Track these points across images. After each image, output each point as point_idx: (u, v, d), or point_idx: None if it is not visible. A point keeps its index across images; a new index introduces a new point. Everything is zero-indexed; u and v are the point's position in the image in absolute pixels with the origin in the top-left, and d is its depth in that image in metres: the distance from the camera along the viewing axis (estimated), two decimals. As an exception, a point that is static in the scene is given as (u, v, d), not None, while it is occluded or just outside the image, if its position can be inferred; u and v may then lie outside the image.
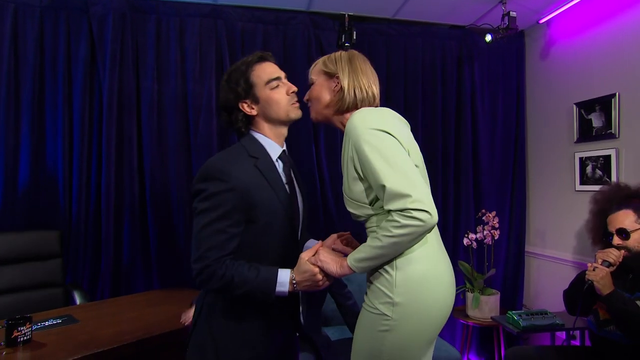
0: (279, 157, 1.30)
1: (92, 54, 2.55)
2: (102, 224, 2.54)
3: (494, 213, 2.84)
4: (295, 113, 1.30)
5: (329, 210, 2.90)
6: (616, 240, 1.90)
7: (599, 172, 2.58)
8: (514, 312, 2.37)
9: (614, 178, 2.47)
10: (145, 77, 2.59)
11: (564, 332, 2.48)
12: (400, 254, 1.11)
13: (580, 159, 2.70)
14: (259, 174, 1.21)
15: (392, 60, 3.00)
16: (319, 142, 2.87)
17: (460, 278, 3.00)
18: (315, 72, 1.33)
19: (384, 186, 1.06)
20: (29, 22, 2.45)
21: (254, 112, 1.27)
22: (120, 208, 2.58)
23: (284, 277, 1.17)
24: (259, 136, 1.29)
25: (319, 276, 1.17)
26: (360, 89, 1.26)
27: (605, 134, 2.53)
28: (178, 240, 2.66)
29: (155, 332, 1.70)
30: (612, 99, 2.48)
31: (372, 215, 1.18)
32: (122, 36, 2.55)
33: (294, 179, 1.35)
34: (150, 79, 2.59)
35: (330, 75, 1.29)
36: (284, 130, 1.32)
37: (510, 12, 2.63)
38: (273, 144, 1.29)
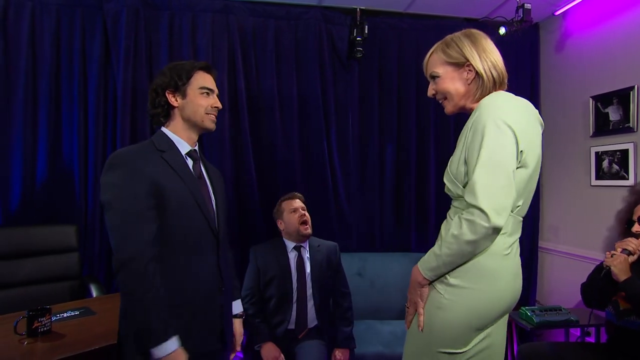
0: (188, 154, 1.35)
1: (107, 50, 2.59)
2: (117, 218, 2.58)
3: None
4: (209, 124, 1.37)
5: (341, 206, 2.90)
6: (636, 227, 1.88)
7: (615, 166, 2.53)
8: (527, 307, 2.35)
9: (631, 173, 2.42)
10: (158, 72, 2.61)
11: (579, 329, 2.45)
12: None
13: (596, 153, 2.66)
14: (165, 163, 1.25)
15: (404, 55, 2.98)
16: (330, 138, 2.87)
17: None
18: (437, 64, 1.27)
19: (474, 184, 1.08)
20: (46, 20, 2.49)
21: (176, 104, 1.33)
22: (136, 202, 2.61)
23: (167, 348, 1.14)
24: (169, 132, 1.34)
25: None
26: (495, 67, 1.22)
27: (623, 127, 2.48)
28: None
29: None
30: (631, 92, 2.43)
31: (460, 196, 1.18)
32: (135, 32, 2.57)
33: (207, 177, 1.41)
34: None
35: (458, 65, 1.23)
36: (194, 135, 1.38)
37: (525, 5, 2.59)
38: (182, 141, 1.34)
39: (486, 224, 1.05)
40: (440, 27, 3.02)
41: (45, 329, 1.59)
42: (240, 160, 2.75)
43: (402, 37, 2.98)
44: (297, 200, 2.30)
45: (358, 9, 2.82)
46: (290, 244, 2.28)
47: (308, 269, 2.25)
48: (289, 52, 2.80)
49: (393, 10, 2.94)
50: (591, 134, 2.69)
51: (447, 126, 3.01)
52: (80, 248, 2.53)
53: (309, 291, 2.23)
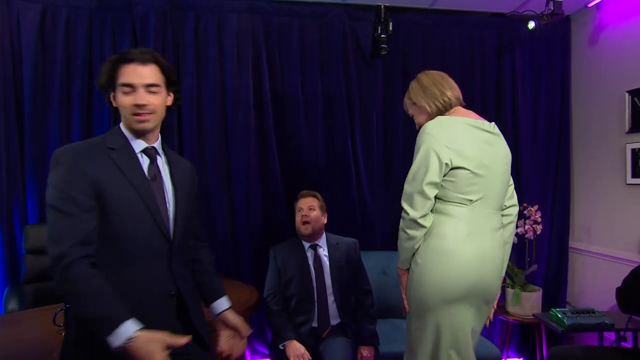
0: (144, 151, 1.26)
1: (136, 52, 2.65)
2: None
3: (536, 207, 2.74)
4: (135, 125, 1.22)
5: (365, 205, 2.89)
6: None
7: (653, 164, 2.43)
8: (557, 309, 2.29)
9: (669, 170, 2.32)
10: (185, 74, 2.66)
11: (613, 333, 2.36)
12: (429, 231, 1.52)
13: (633, 150, 2.55)
14: (112, 164, 1.17)
15: (429, 52, 2.94)
16: (354, 136, 2.86)
17: (499, 273, 2.93)
18: (407, 105, 1.74)
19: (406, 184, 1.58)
20: (80, 25, 2.58)
21: (115, 104, 1.24)
22: (163, 200, 2.67)
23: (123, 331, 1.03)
24: (123, 128, 1.25)
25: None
26: (436, 99, 1.61)
27: (661, 123, 2.37)
28: (217, 230, 2.74)
29: (198, 319, 1.76)
30: (669, 86, 2.32)
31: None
32: (163, 34, 2.63)
33: (166, 176, 1.29)
34: (190, 75, 2.67)
35: (414, 104, 1.67)
36: (151, 136, 1.27)
37: (556, -3, 2.51)
38: (134, 139, 1.24)
39: (406, 216, 1.50)
40: (466, 23, 2.97)
41: (80, 321, 1.64)
42: (265, 159, 2.77)
43: (426, 34, 2.94)
44: (306, 199, 2.28)
45: (382, 6, 2.79)
46: (305, 243, 2.29)
47: (327, 267, 2.26)
48: (314, 50, 2.81)
49: (418, 6, 2.90)
50: (627, 130, 2.59)
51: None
52: (110, 244, 2.60)
53: (329, 289, 2.23)
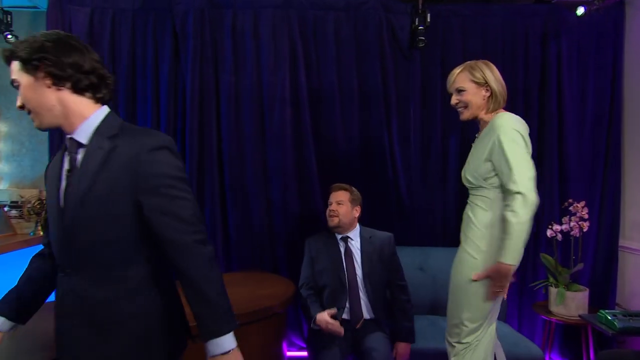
0: (66, 149, 1.15)
1: (176, 50, 2.73)
2: (186, 208, 2.73)
3: (582, 203, 2.61)
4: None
5: (401, 199, 2.85)
6: None
7: None
8: (606, 311, 2.18)
9: None
10: (223, 70, 2.72)
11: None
12: (486, 220, 1.64)
13: (692, 143, 2.38)
14: (55, 165, 1.16)
15: (469, 43, 2.84)
16: (391, 130, 2.82)
17: (541, 271, 2.82)
18: (464, 80, 1.70)
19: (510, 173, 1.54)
20: (124, 25, 2.69)
21: None
22: (202, 194, 2.76)
23: None
24: None
25: None
26: (504, 90, 1.70)
27: None
28: (254, 225, 2.79)
29: (237, 311, 1.79)
30: None
31: (480, 188, 1.68)
32: (201, 32, 2.69)
33: (77, 166, 1.10)
34: (228, 72, 2.72)
35: (480, 84, 1.68)
36: (68, 126, 1.12)
37: (608, -19, 2.37)
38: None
39: (532, 201, 1.52)
40: (508, 12, 2.85)
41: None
42: (301, 153, 2.79)
43: (466, 24, 2.85)
44: (336, 193, 2.32)
45: (420, -3, 2.73)
46: (337, 235, 2.31)
47: (358, 260, 2.26)
48: (349, 43, 2.79)
49: (457, -4, 2.82)
50: (686, 121, 2.41)
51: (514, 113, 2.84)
52: (153, 236, 2.71)
53: (360, 282, 2.23)
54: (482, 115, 1.71)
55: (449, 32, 2.83)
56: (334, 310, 2.05)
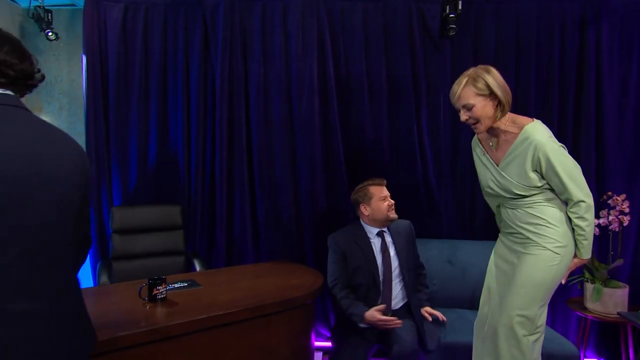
0: None
1: (206, 42, 2.77)
2: (216, 199, 2.80)
3: (623, 196, 2.50)
4: None
5: (431, 191, 2.82)
6: None
7: None
8: (648, 309, 2.09)
9: None
10: (252, 61, 2.74)
11: None
12: (557, 216, 1.71)
13: None
14: None
15: (502, 30, 2.75)
16: (420, 121, 2.78)
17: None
18: (470, 96, 1.68)
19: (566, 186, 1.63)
20: (156, 19, 2.75)
21: None
22: (232, 185, 2.81)
23: None
24: None
25: None
26: (508, 94, 1.69)
27: None
28: (282, 216, 2.81)
29: (267, 300, 1.84)
30: None
31: (535, 194, 1.71)
32: (231, 23, 2.71)
33: None
34: (257, 62, 2.74)
35: (485, 95, 1.66)
36: None
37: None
38: None
39: (591, 203, 1.66)
40: (544, -4, 2.74)
41: (162, 296, 1.78)
42: (329, 144, 2.79)
43: (499, 11, 2.75)
44: (384, 188, 2.31)
45: (451, -16, 2.66)
46: (373, 230, 2.29)
47: (392, 252, 2.27)
48: (378, 33, 2.75)
49: (490, -19, 2.72)
50: None
51: (550, 105, 2.74)
52: (184, 226, 2.78)
53: (395, 272, 2.25)
54: (496, 124, 1.71)
55: (481, 20, 2.75)
56: (382, 306, 2.08)
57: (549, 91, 2.75)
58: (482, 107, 1.66)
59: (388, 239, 2.31)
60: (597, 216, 2.56)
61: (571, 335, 2.82)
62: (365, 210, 2.29)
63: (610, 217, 2.50)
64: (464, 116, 1.71)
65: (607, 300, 2.43)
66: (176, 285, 2.03)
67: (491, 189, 1.81)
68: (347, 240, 2.28)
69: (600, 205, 2.63)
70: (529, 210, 1.72)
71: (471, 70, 1.70)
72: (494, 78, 1.66)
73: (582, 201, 1.62)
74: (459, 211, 2.85)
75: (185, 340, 1.60)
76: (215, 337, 1.68)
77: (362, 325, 2.08)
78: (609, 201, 2.52)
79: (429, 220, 2.83)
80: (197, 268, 2.60)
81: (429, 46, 2.78)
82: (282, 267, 2.48)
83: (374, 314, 2.04)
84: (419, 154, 2.78)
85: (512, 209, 1.77)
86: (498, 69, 2.70)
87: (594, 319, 2.49)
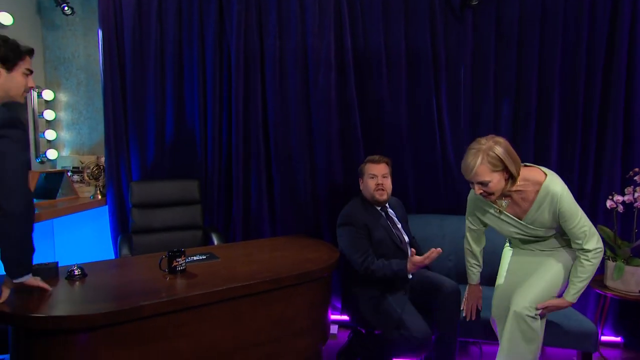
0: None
1: (221, 16, 2.73)
2: (232, 173, 2.81)
3: (649, 172, 2.42)
4: (21, 99, 1.58)
5: (450, 167, 2.77)
6: None
7: None
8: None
9: None
10: (267, 35, 2.69)
11: None
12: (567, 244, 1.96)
13: None
14: None
15: (526, 2, 2.63)
16: (440, 94, 2.71)
17: (598, 244, 2.68)
18: (486, 173, 1.77)
19: (584, 231, 1.81)
20: (170, -4, 2.71)
21: (1, 79, 1.49)
22: (248, 159, 2.81)
23: None
24: None
25: None
26: (517, 168, 1.81)
27: None
28: (299, 191, 2.82)
29: (285, 273, 1.86)
30: None
31: (552, 236, 1.96)
32: (247, -4, 2.66)
33: None
34: (272, 36, 2.69)
35: (499, 171, 1.77)
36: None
37: None
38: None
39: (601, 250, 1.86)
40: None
41: (181, 268, 1.82)
42: (346, 119, 2.75)
43: (524, -18, 2.63)
44: (379, 166, 2.27)
45: (474, -50, 2.54)
46: (376, 207, 2.33)
47: (399, 224, 2.34)
48: (397, 4, 2.66)
49: (516, -54, 2.59)
50: None
51: (577, 78, 2.63)
52: (202, 200, 2.81)
53: (407, 244, 2.31)
54: (507, 189, 1.85)
55: (505, -10, 2.63)
56: (414, 251, 2.06)
57: (576, 64, 2.63)
58: (497, 182, 1.78)
59: (391, 211, 2.37)
60: (622, 193, 2.50)
61: (589, 313, 2.80)
62: (361, 185, 2.35)
63: (636, 194, 2.42)
64: (478, 190, 1.82)
65: (629, 279, 2.38)
66: (195, 258, 2.07)
67: (517, 237, 1.99)
68: (362, 214, 2.26)
69: (625, 182, 2.56)
70: (551, 241, 1.97)
71: (484, 144, 1.78)
72: (505, 151, 1.76)
73: (599, 248, 1.82)
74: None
75: (205, 310, 1.63)
76: (235, 308, 1.71)
77: (410, 276, 2.12)
78: (635, 177, 2.44)
79: (447, 197, 2.79)
80: (215, 242, 2.64)
81: (449, 17, 2.68)
82: (299, 241, 2.50)
83: (413, 261, 2.01)
84: (438, 129, 2.72)
85: (536, 241, 1.99)
86: (521, 41, 2.67)
87: (614, 297, 2.46)
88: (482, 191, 1.81)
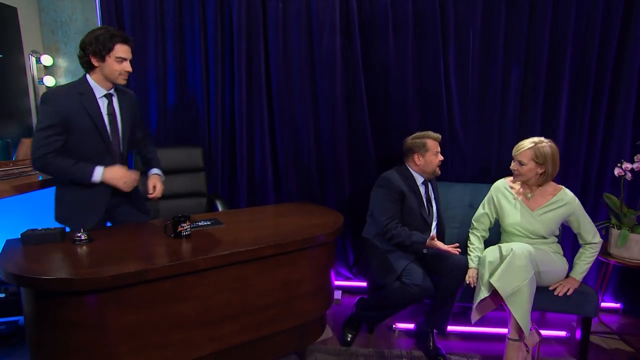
0: (104, 96, 1.91)
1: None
2: (236, 139, 2.79)
3: (657, 140, 2.38)
4: (119, 81, 1.91)
5: (456, 134, 2.74)
6: None
7: None
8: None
9: None
10: (270, -4, 2.60)
11: None
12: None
13: None
14: (80, 104, 1.83)
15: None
16: (447, 59, 2.64)
17: (603, 212, 2.68)
18: (527, 157, 2.11)
19: (593, 226, 2.17)
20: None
21: (96, 65, 1.84)
22: (252, 125, 2.78)
23: (97, 173, 1.88)
24: (90, 80, 1.88)
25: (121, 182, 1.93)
26: (554, 172, 2.13)
27: None
28: (303, 157, 2.80)
29: (289, 238, 1.87)
30: None
31: (549, 241, 2.22)
32: (248, -45, 2.55)
33: (118, 112, 1.98)
34: (275, -2, 2.60)
35: (538, 163, 2.10)
36: (110, 84, 1.92)
37: None
38: (98, 87, 1.89)
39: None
40: None
41: (186, 233, 1.83)
42: (350, 83, 2.70)
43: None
44: (438, 143, 2.36)
45: None
46: (419, 178, 2.36)
47: (433, 200, 2.42)
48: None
49: None
50: None
51: (589, 44, 2.54)
52: (206, 168, 2.81)
53: (434, 216, 2.41)
54: (530, 184, 2.17)
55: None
56: (434, 234, 2.25)
57: (589, 30, 2.54)
58: (530, 169, 2.11)
59: (430, 186, 2.42)
60: (631, 161, 2.47)
61: (590, 279, 2.82)
62: (418, 160, 2.33)
63: (643, 162, 2.39)
64: (514, 166, 2.16)
65: (633, 246, 2.39)
66: (200, 224, 2.08)
67: (518, 229, 2.18)
68: (402, 182, 2.31)
69: (636, 149, 2.52)
70: (545, 247, 2.18)
71: (541, 141, 2.10)
72: (552, 154, 2.09)
73: (597, 242, 2.16)
74: (484, 155, 2.77)
75: (211, 274, 1.65)
76: (240, 271, 1.73)
77: (426, 251, 2.27)
78: (643, 145, 2.40)
79: (453, 164, 2.77)
80: (220, 209, 2.64)
81: (459, -25, 2.57)
82: (304, 207, 2.50)
83: (433, 242, 2.16)
84: (445, 94, 2.67)
85: (532, 244, 2.15)
86: (533, 5, 2.55)
87: (616, 264, 2.47)
88: (516, 168, 2.15)
